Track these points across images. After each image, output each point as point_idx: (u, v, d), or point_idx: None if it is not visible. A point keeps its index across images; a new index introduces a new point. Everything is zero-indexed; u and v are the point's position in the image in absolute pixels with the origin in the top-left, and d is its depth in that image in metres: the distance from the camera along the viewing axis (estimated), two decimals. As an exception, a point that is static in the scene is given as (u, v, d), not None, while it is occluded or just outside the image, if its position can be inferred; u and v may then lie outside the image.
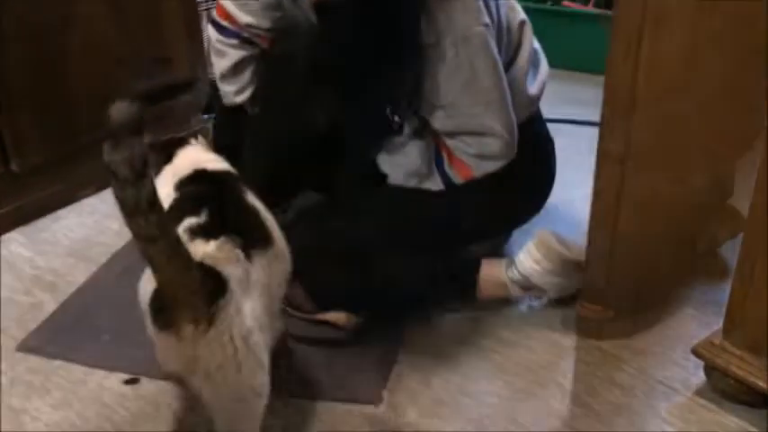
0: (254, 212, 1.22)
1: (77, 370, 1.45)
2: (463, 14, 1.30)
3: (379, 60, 1.35)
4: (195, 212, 1.13)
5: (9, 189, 1.94)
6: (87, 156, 2.09)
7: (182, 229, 1.09)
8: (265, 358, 1.08)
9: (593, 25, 2.82)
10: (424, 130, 1.48)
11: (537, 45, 1.54)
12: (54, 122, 2.00)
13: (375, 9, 1.32)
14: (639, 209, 1.35)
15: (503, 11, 1.41)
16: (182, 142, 1.40)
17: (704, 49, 1.26)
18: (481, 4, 1.32)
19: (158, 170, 1.31)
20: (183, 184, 1.24)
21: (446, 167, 1.44)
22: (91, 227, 1.98)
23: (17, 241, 1.91)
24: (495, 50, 1.35)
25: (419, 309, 1.55)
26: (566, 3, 2.97)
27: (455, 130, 1.39)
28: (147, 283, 1.07)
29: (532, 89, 1.51)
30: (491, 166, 1.40)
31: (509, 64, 1.44)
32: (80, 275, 1.76)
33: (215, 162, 1.33)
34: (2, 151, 1.89)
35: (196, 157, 1.34)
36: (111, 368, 1.45)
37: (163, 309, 1.02)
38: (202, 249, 1.06)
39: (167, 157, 1.34)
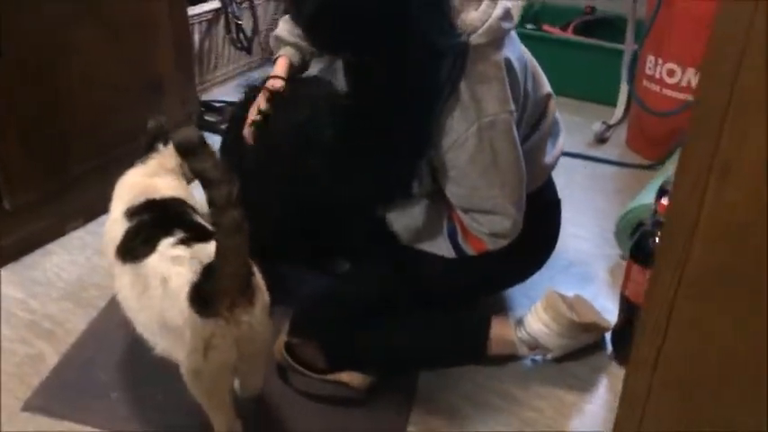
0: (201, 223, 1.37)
1: (89, 433, 1.44)
2: (492, 102, 1.31)
3: (409, 115, 1.35)
4: (167, 233, 1.27)
5: (2, 226, 1.90)
6: (77, 187, 2.06)
7: (168, 244, 1.24)
8: None
9: (572, 51, 2.88)
10: (435, 195, 1.50)
11: (558, 116, 1.57)
12: (47, 156, 1.96)
13: (406, 71, 1.32)
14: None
15: (529, 84, 1.43)
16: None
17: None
18: (508, 90, 1.34)
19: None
20: (137, 212, 1.38)
21: (460, 240, 1.46)
22: (83, 265, 1.95)
23: (8, 280, 1.87)
24: (517, 134, 1.37)
25: (431, 367, 1.57)
26: (546, 28, 3.02)
27: (469, 208, 1.41)
28: (148, 307, 1.26)
29: (549, 159, 1.54)
30: (504, 242, 1.43)
31: (529, 135, 1.47)
32: (78, 322, 1.74)
33: (164, 186, 1.45)
34: (-6, 189, 1.85)
35: (143, 182, 1.47)
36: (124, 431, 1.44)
37: (207, 299, 1.16)
38: (208, 250, 1.19)
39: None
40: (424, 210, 1.51)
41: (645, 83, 2.48)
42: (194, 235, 1.27)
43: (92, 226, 2.12)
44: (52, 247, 2.01)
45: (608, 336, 1.67)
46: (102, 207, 2.13)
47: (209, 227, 1.35)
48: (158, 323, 1.26)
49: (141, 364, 1.56)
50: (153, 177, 1.46)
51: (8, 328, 1.71)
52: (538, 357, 1.61)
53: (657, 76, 2.41)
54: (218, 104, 2.85)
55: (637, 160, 2.54)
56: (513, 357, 1.61)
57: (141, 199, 1.39)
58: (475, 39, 1.30)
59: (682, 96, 2.37)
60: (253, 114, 1.51)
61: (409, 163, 1.39)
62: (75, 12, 1.89)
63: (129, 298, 1.30)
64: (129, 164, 2.17)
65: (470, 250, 1.47)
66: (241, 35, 3.03)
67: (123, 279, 1.31)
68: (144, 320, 1.30)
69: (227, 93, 3.00)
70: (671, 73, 2.37)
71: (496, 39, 1.31)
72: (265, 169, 1.52)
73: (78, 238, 2.06)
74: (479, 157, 1.34)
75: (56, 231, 2.05)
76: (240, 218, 1.10)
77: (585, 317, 1.55)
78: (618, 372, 1.61)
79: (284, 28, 1.61)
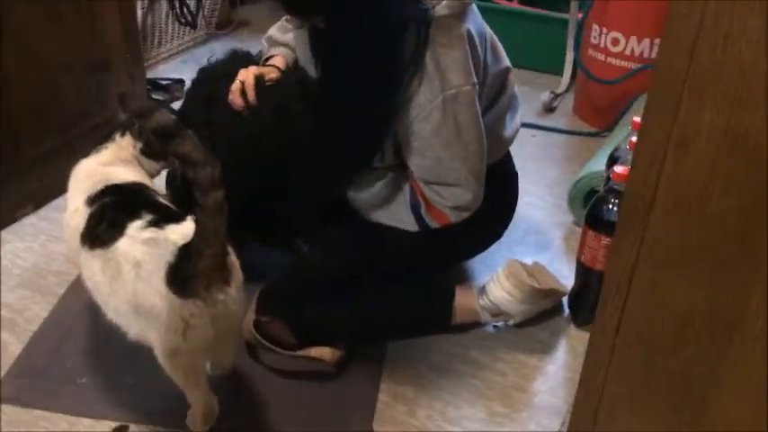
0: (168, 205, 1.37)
1: (61, 420, 1.44)
2: (456, 74, 1.34)
3: (374, 86, 1.37)
4: (134, 215, 1.27)
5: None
6: (26, 173, 2.01)
7: (137, 227, 1.25)
8: None
9: (518, 21, 2.92)
10: (397, 168, 1.52)
11: (516, 90, 1.60)
12: (-5, 142, 1.91)
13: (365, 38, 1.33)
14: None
15: (489, 57, 1.45)
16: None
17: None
18: (471, 62, 1.36)
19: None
20: (97, 198, 1.36)
21: (423, 213, 1.49)
22: (38, 252, 1.92)
23: (-40, 271, 1.83)
24: (479, 107, 1.40)
25: (398, 337, 1.61)
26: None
27: (432, 180, 1.44)
28: (120, 287, 1.25)
29: (507, 132, 1.58)
30: (466, 215, 1.47)
31: (488, 107, 1.50)
32: (39, 310, 1.72)
33: (122, 173, 1.43)
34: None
35: (100, 170, 1.44)
36: (97, 416, 1.44)
37: (186, 280, 1.17)
38: (181, 230, 1.22)
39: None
40: (386, 184, 1.53)
41: (590, 52, 2.53)
42: (162, 217, 1.27)
43: (43, 211, 2.08)
44: (4, 234, 1.97)
45: (565, 300, 1.73)
46: (52, 192, 2.10)
47: (175, 208, 1.35)
48: (132, 306, 1.26)
49: (109, 349, 1.57)
50: (109, 166, 1.44)
51: (-35, 320, 1.68)
52: (500, 323, 1.67)
53: (602, 44, 2.47)
54: (164, 82, 2.79)
55: (584, 128, 2.61)
56: (476, 324, 1.66)
57: (100, 186, 1.37)
58: (439, 10, 1.31)
59: (626, 65, 2.44)
60: (237, 93, 1.51)
61: (375, 135, 1.40)
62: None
63: (99, 283, 1.30)
64: (80, 147, 2.13)
65: (433, 223, 1.50)
66: (185, 10, 2.99)
67: (92, 265, 1.30)
68: (116, 305, 1.30)
69: (173, 70, 2.95)
70: (615, 41, 2.43)
71: (460, 11, 1.34)
72: (233, 145, 1.52)
73: (31, 224, 2.02)
74: (443, 129, 1.36)
75: (6, 219, 2.01)
76: (222, 199, 1.11)
77: (545, 283, 1.60)
78: (576, 334, 1.68)
79: (276, 28, 1.66)
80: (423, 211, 1.50)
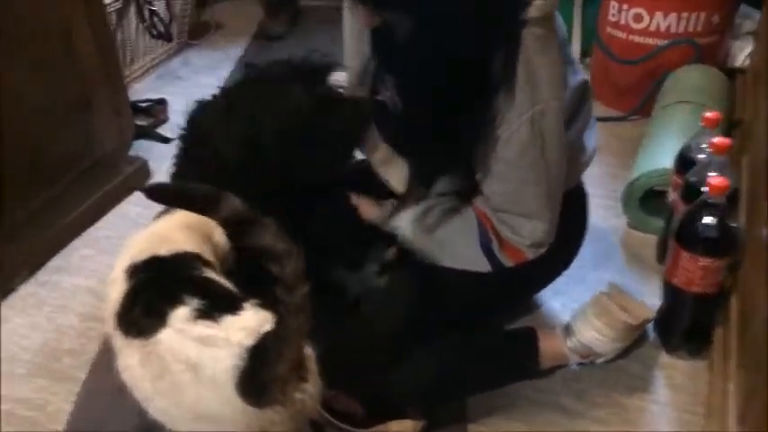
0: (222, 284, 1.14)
1: None
2: (546, 86, 1.15)
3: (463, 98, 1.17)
4: (175, 300, 1.05)
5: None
6: (17, 236, 1.77)
7: (184, 317, 1.03)
8: None
9: None
10: (462, 200, 1.33)
11: (591, 106, 1.41)
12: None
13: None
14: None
15: (567, 67, 1.26)
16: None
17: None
18: (561, 73, 1.17)
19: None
20: (138, 270, 1.13)
21: (496, 251, 1.30)
22: (45, 328, 1.68)
23: (-41, 363, 1.59)
24: (563, 125, 1.21)
25: (479, 392, 1.44)
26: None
27: (509, 209, 1.25)
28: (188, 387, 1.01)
29: (586, 156, 1.39)
30: (543, 250, 1.29)
31: (566, 127, 1.31)
32: (60, 402, 1.49)
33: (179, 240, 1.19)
34: None
35: (155, 233, 1.21)
36: None
37: (262, 387, 0.98)
38: (241, 325, 1.01)
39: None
40: (449, 218, 1.34)
41: (609, 30, 2.36)
42: (211, 303, 1.07)
43: (41, 275, 1.84)
44: (2, 310, 1.73)
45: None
46: (45, 252, 1.86)
47: (227, 284, 1.14)
48: (191, 413, 1.05)
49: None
50: (168, 230, 1.21)
51: (-23, 424, 1.45)
52: (585, 362, 1.49)
53: (623, 21, 2.30)
54: (144, 104, 2.54)
55: (606, 112, 2.43)
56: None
57: (147, 254, 1.15)
58: (532, 11, 1.12)
59: (651, 42, 2.27)
60: None
61: (460, 156, 1.21)
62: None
63: (138, 378, 1.08)
64: (70, 197, 1.90)
65: (508, 262, 1.32)
66: (156, 21, 2.72)
67: (130, 357, 1.08)
68: (164, 407, 1.08)
69: (150, 88, 2.70)
70: (638, 18, 2.26)
71: (552, 11, 1.14)
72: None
73: (30, 294, 1.78)
74: (530, 149, 1.18)
75: (1, 290, 1.76)
76: (308, 293, 0.94)
77: (637, 315, 1.43)
78: (669, 362, 1.52)
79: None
80: (495, 248, 1.31)
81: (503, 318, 1.54)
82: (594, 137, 1.42)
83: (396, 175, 1.42)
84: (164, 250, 1.16)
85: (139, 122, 2.40)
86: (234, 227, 0.93)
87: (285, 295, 0.93)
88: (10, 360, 1.59)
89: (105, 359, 1.52)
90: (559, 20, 1.22)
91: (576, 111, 1.33)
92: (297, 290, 0.93)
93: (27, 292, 1.79)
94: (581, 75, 1.32)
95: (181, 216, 1.23)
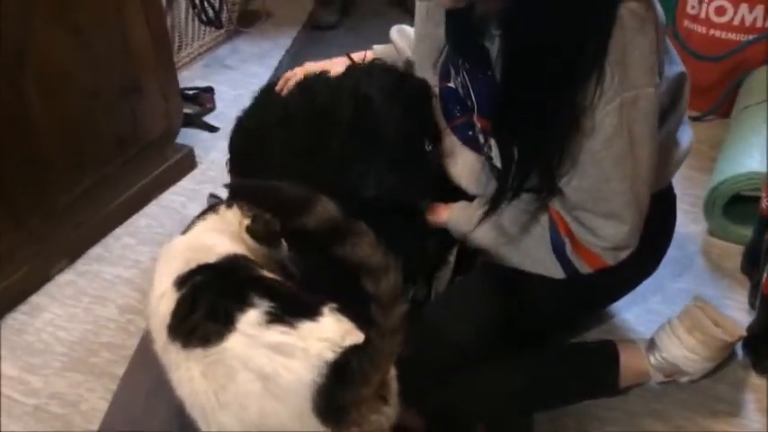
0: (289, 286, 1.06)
1: None
2: (639, 71, 1.01)
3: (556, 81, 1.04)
4: (243, 301, 0.95)
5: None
6: (58, 221, 1.69)
7: (254, 321, 0.93)
8: None
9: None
10: (533, 197, 1.20)
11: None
12: (23, 190, 1.57)
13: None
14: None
15: (663, 55, 1.12)
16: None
17: None
18: (657, 57, 1.04)
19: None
20: (188, 279, 1.03)
21: (569, 254, 1.17)
22: (83, 319, 1.59)
23: (-7, 354, 1.51)
24: (656, 117, 1.07)
25: (549, 408, 1.31)
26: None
27: (588, 207, 1.11)
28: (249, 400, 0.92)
29: (679, 154, 1.25)
30: (624, 255, 1.15)
31: (660, 121, 1.17)
32: (96, 400, 1.40)
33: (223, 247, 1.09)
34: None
35: (196, 244, 1.11)
36: None
37: (341, 408, 0.90)
38: (321, 334, 0.91)
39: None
40: (524, 219, 1.21)
41: (687, 23, 2.20)
42: (284, 305, 0.96)
43: (80, 264, 1.75)
44: (39, 299, 1.65)
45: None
46: (88, 240, 1.78)
47: (290, 287, 1.04)
48: (254, 426, 0.95)
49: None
50: (207, 240, 1.11)
51: (7, 420, 1.36)
52: (667, 380, 1.35)
53: (702, 15, 2.14)
54: (191, 92, 2.46)
55: (681, 111, 2.27)
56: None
57: (193, 265, 1.05)
58: None
59: (733, 37, 2.11)
60: None
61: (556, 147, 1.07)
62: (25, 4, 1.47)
63: (199, 393, 0.97)
64: (116, 184, 1.82)
65: (583, 267, 1.18)
66: (207, 6, 2.63)
67: (188, 369, 0.98)
68: (226, 421, 0.97)
69: (197, 76, 2.61)
70: (720, 11, 2.09)
71: None
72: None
73: (68, 283, 1.70)
74: (617, 140, 1.04)
75: (39, 278, 1.68)
76: (405, 314, 0.84)
77: (734, 332, 1.29)
78: (760, 384, 1.37)
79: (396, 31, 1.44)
80: (568, 251, 1.17)
81: (573, 330, 1.40)
82: (689, 133, 1.27)
83: (459, 167, 1.31)
84: (212, 257, 1.07)
85: (186, 110, 2.31)
86: (326, 234, 0.83)
87: (380, 315, 0.84)
88: (45, 352, 1.51)
89: (144, 356, 1.44)
90: (657, 2, 1.08)
91: (671, 105, 1.19)
92: (394, 309, 0.85)
93: (65, 280, 1.70)
94: (680, 65, 1.18)
95: (209, 223, 1.13)
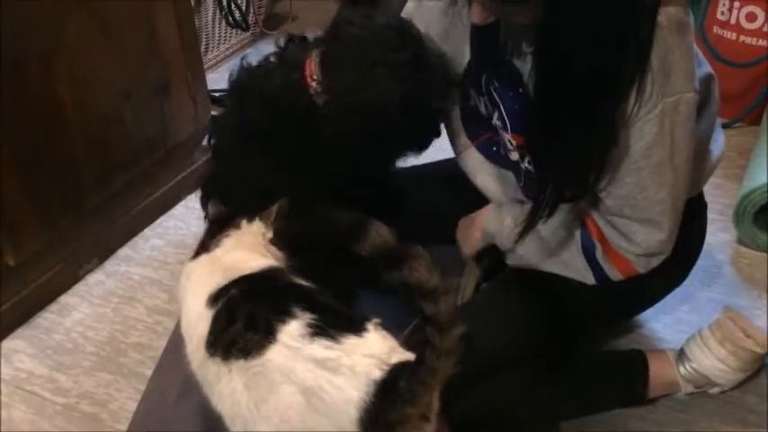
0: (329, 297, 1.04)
1: None
2: (680, 76, 1.00)
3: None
4: (284, 311, 0.94)
5: (3, 285, 1.54)
6: (88, 223, 1.71)
7: (297, 332, 0.92)
8: None
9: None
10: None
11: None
12: (54, 191, 1.59)
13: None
14: None
15: None
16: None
17: None
18: (695, 62, 1.03)
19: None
20: (221, 295, 1.02)
21: (599, 258, 1.16)
22: (112, 319, 1.61)
23: (23, 352, 1.53)
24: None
25: (575, 417, 1.30)
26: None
27: (623, 214, 1.11)
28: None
29: (711, 160, 1.24)
30: (656, 262, 1.14)
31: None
32: (125, 400, 1.42)
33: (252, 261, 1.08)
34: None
35: (223, 262, 1.09)
36: None
37: (387, 426, 0.88)
38: (367, 350, 0.90)
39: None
40: (556, 222, 1.20)
41: (716, 29, 2.18)
42: (326, 317, 0.95)
43: (109, 265, 1.77)
44: (68, 298, 1.67)
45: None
46: (117, 240, 1.80)
47: (330, 298, 1.03)
48: None
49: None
50: (233, 257, 1.10)
51: (38, 419, 1.38)
52: (695, 390, 1.34)
53: (733, 21, 2.12)
54: (217, 94, 2.47)
55: (709, 118, 2.25)
56: (666, 392, 1.34)
57: (224, 282, 1.04)
58: None
59: (765, 44, 2.09)
60: None
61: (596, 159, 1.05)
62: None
63: (241, 405, 0.96)
64: (145, 185, 1.84)
65: (613, 272, 1.17)
66: (234, 7, 2.65)
67: (231, 382, 0.97)
68: None
69: (223, 78, 2.60)
70: (751, 17, 2.08)
71: None
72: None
73: (98, 283, 1.72)
74: (657, 148, 1.03)
75: (69, 279, 1.70)
76: (461, 337, 0.86)
77: (765, 343, 1.27)
78: (790, 397, 1.35)
79: None
80: (599, 255, 1.16)
81: (601, 338, 1.40)
82: (721, 140, 1.26)
83: (484, 178, 1.31)
84: (246, 271, 1.06)
85: (213, 113, 2.34)
86: (380, 259, 0.84)
87: (436, 336, 0.85)
88: (74, 352, 1.53)
89: (172, 358, 1.45)
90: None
91: (701, 108, 1.17)
92: (451, 331, 0.85)
93: (95, 280, 1.72)
94: (707, 66, 1.17)
95: (233, 239, 1.13)
